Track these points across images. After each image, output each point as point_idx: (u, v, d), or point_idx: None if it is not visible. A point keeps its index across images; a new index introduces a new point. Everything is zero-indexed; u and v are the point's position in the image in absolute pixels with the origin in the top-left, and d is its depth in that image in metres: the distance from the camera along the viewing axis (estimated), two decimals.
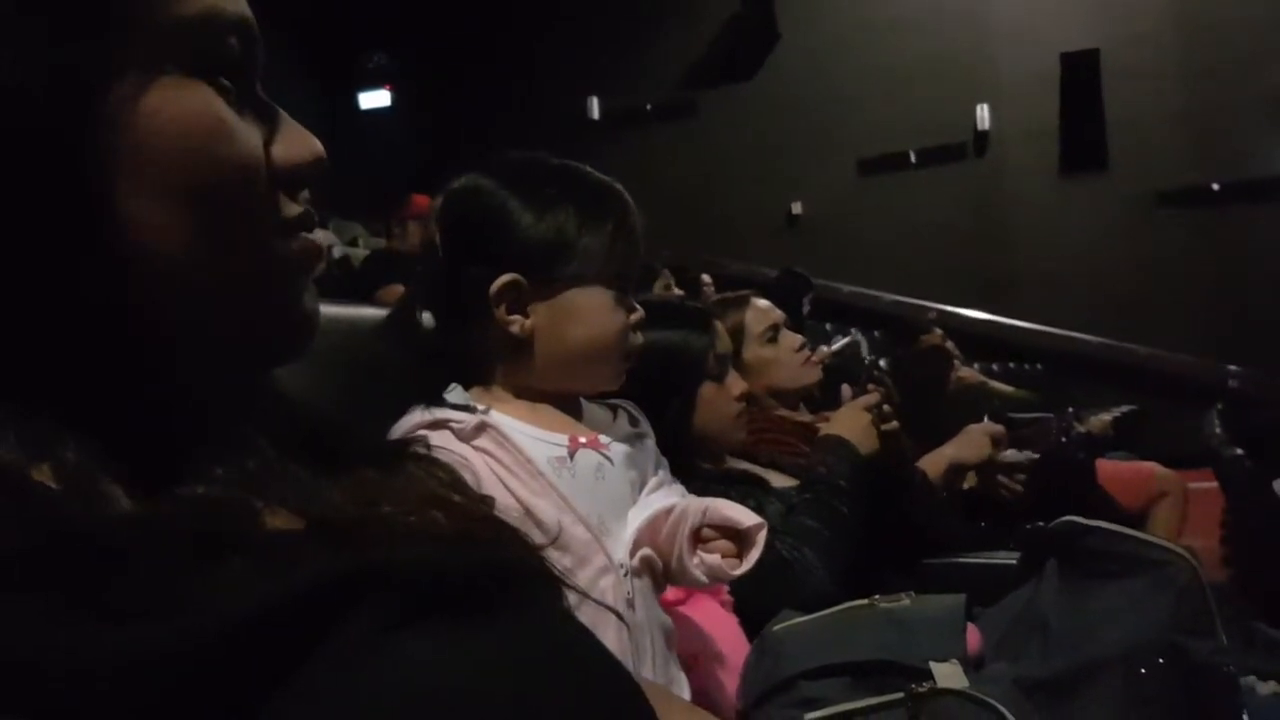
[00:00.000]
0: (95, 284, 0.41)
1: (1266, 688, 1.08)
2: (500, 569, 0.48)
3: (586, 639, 0.51)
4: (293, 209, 0.49)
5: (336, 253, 5.00)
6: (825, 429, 1.72)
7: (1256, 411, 5.04)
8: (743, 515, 1.00)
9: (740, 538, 1.00)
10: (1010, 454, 2.15)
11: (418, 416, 0.99)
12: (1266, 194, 6.26)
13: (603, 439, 1.06)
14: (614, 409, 1.15)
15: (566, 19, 7.91)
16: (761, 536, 1.00)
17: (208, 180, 0.44)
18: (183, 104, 0.43)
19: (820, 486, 1.55)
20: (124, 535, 0.36)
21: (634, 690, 0.51)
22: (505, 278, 1.02)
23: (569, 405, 1.09)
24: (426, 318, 1.10)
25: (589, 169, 1.11)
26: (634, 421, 1.15)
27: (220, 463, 0.45)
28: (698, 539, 1.00)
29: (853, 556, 1.49)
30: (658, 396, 1.51)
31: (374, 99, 8.72)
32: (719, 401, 1.61)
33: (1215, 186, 6.43)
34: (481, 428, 0.98)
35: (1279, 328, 5.86)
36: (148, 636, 0.34)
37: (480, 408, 1.01)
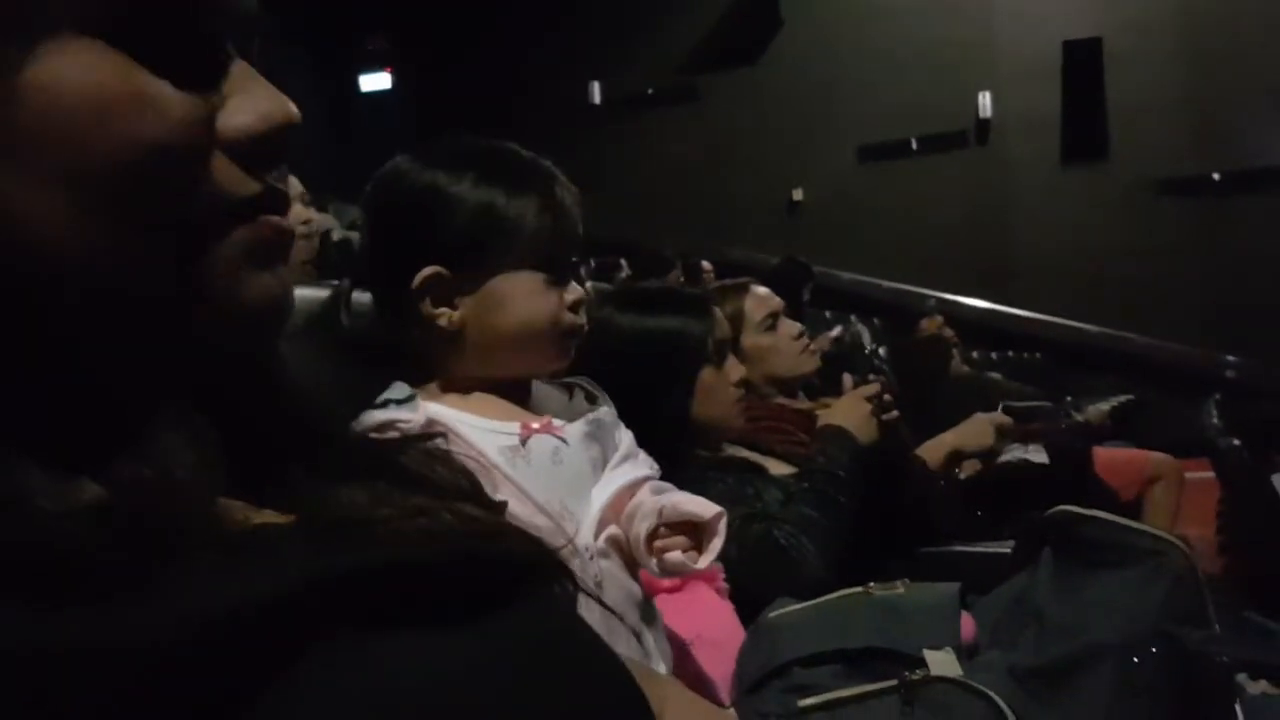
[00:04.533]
0: None
1: (1256, 686, 1.08)
2: (499, 568, 0.46)
3: (588, 639, 0.50)
4: (248, 187, 0.42)
5: (336, 235, 4.97)
6: (825, 418, 1.73)
7: (1254, 402, 5.04)
8: (701, 508, 0.98)
9: (701, 529, 0.98)
10: (1014, 455, 2.15)
11: (366, 419, 0.96)
12: (1267, 184, 6.26)
13: (556, 422, 1.03)
14: (569, 388, 1.13)
15: (569, 2, 7.88)
16: (722, 526, 0.98)
17: (108, 163, 0.37)
18: (74, 74, 0.36)
19: (819, 476, 1.56)
20: (74, 529, 0.34)
21: (636, 696, 0.50)
22: (426, 271, 0.99)
23: (518, 391, 1.07)
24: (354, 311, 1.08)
25: (515, 148, 1.06)
26: (591, 398, 1.12)
27: (159, 459, 0.41)
28: (654, 540, 0.98)
29: (848, 545, 1.50)
30: (657, 383, 1.52)
31: (374, 81, 8.70)
32: (718, 387, 1.61)
33: (1216, 176, 6.43)
34: (428, 426, 0.94)
35: (1277, 319, 5.86)
36: (114, 631, 0.32)
37: (427, 404, 0.99)
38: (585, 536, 0.98)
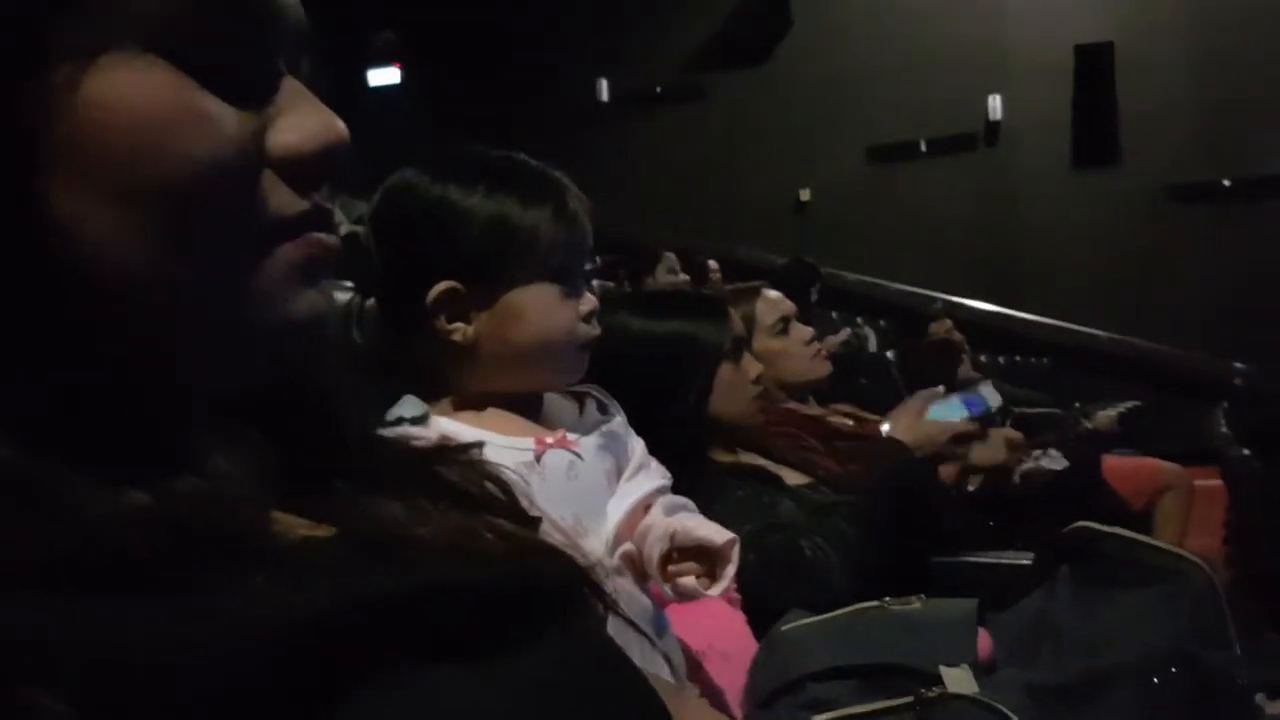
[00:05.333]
0: (28, 297, 0.36)
1: (1275, 707, 1.06)
2: (538, 592, 0.47)
3: (618, 659, 0.51)
4: (296, 205, 0.42)
5: (343, 230, 4.97)
6: (894, 432, 1.69)
7: (1263, 409, 5.03)
8: (713, 533, 0.96)
9: (712, 554, 0.96)
10: (1032, 466, 2.14)
11: None
12: (1278, 191, 6.23)
13: (570, 436, 1.02)
14: (579, 398, 1.11)
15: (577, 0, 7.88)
16: (735, 552, 0.96)
17: (164, 179, 0.37)
18: (132, 90, 0.37)
19: (871, 496, 1.53)
20: (135, 534, 0.34)
21: (664, 716, 0.50)
22: (441, 286, 0.98)
23: (531, 404, 1.06)
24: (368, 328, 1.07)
25: (525, 158, 1.05)
26: (602, 407, 1.11)
27: (208, 470, 0.42)
28: (667, 563, 0.97)
29: (874, 564, 1.49)
30: (673, 387, 1.51)
31: (383, 76, 8.68)
32: (736, 384, 1.60)
33: (1226, 183, 6.41)
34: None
35: None
36: (176, 640, 0.32)
37: (439, 419, 0.98)
38: (600, 554, 0.97)
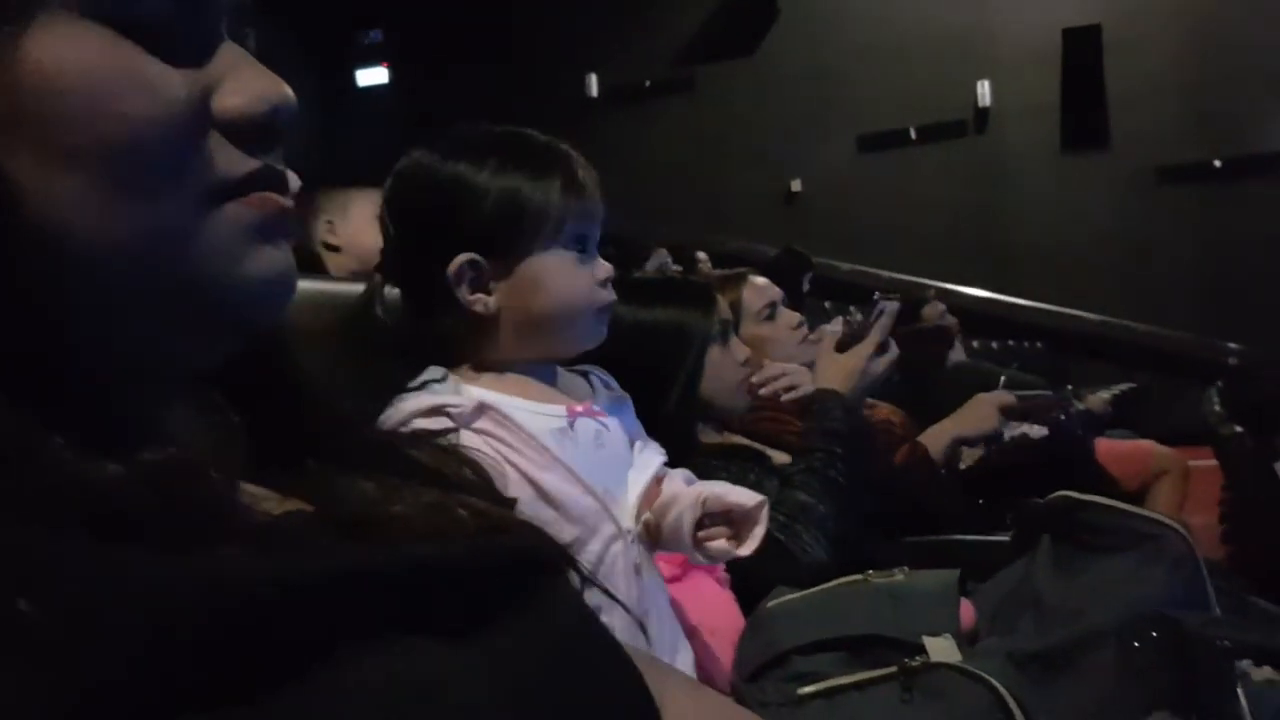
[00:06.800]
0: None
1: (1260, 673, 1.07)
2: (513, 566, 0.47)
3: (592, 630, 0.51)
4: (244, 165, 0.42)
5: None
6: (819, 382, 1.70)
7: (1256, 389, 5.03)
8: (743, 497, 1.00)
9: (740, 518, 1.01)
10: (1016, 433, 2.14)
11: (411, 403, 0.97)
12: (1268, 170, 6.24)
13: (596, 405, 1.06)
14: (585, 376, 1.15)
15: None
16: (764, 515, 1.00)
17: (107, 140, 0.38)
18: (71, 53, 0.37)
19: (817, 455, 1.54)
20: (115, 491, 0.35)
21: (639, 686, 0.51)
22: (462, 258, 1.01)
23: (546, 375, 1.09)
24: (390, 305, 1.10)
25: (531, 132, 1.08)
26: (608, 385, 1.15)
27: (178, 441, 0.42)
28: (698, 529, 1.01)
29: (850, 518, 1.49)
30: (661, 375, 1.52)
31: (371, 76, 8.68)
32: (724, 366, 1.61)
33: (1217, 163, 6.41)
34: (481, 409, 0.97)
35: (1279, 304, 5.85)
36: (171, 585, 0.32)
37: (469, 388, 1.01)
38: (627, 519, 1.01)
